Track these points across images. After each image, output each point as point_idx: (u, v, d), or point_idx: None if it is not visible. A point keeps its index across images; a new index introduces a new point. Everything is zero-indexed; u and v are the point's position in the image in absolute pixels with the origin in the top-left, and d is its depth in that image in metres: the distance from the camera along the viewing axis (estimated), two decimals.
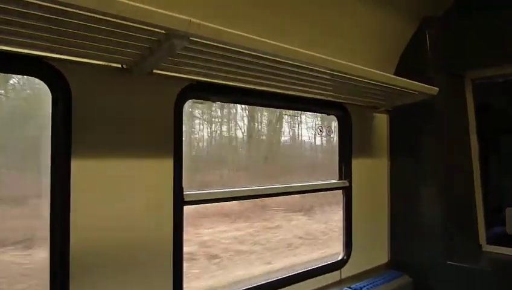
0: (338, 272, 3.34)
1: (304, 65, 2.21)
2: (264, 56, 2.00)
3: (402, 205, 3.84)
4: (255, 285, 2.77)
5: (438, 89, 3.21)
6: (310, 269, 3.17)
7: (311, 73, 2.38)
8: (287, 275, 3.01)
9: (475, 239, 3.77)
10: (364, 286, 3.24)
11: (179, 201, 2.34)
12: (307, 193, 3.35)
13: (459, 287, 3.41)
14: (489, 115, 3.98)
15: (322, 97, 3.11)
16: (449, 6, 3.64)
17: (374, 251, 3.78)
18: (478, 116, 3.82)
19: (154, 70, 2.17)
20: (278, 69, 2.24)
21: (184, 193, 2.37)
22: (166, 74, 2.24)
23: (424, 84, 3.07)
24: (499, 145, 4.08)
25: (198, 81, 2.39)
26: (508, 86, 3.75)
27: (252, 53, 1.94)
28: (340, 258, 3.43)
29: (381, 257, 3.84)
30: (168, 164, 2.31)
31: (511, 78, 3.65)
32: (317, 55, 2.20)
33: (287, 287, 2.95)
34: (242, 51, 1.90)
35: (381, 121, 3.86)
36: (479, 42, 3.52)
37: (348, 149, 3.50)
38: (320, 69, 2.32)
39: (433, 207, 3.60)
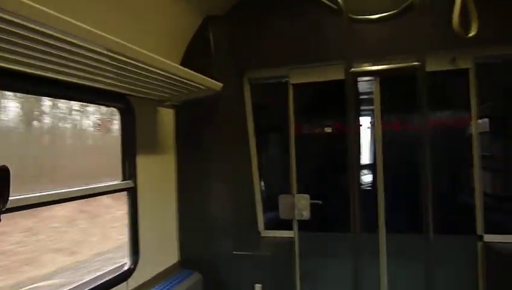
0: (124, 284, 2.98)
1: (78, 42, 1.77)
2: (22, 23, 1.47)
3: (190, 202, 3.79)
4: None
5: (222, 84, 3.27)
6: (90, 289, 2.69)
7: (87, 54, 1.94)
8: None
9: (256, 227, 4.08)
10: None
11: None
12: (88, 197, 2.83)
13: (244, 275, 3.59)
14: (265, 114, 4.37)
15: (102, 86, 2.67)
16: (231, 7, 3.79)
17: (164, 252, 3.58)
18: (256, 114, 4.13)
19: None
20: (43, 44, 1.71)
21: None
22: None
23: (209, 79, 3.05)
24: (273, 141, 4.55)
25: None
26: (279, 88, 4.17)
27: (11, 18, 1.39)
28: (125, 268, 3.07)
29: (172, 257, 3.69)
30: None
31: (280, 81, 4.11)
32: (94, 30, 1.79)
33: None
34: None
35: (168, 116, 3.69)
36: (256, 44, 3.80)
37: (131, 146, 3.16)
38: (97, 49, 1.92)
39: (219, 201, 3.68)
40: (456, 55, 3.51)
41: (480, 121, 3.81)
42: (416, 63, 2.04)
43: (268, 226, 4.16)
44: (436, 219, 3.58)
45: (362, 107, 4.07)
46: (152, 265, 3.33)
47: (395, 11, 2.25)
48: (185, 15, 3.42)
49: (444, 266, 3.64)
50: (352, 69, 2.09)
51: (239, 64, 3.89)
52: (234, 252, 3.62)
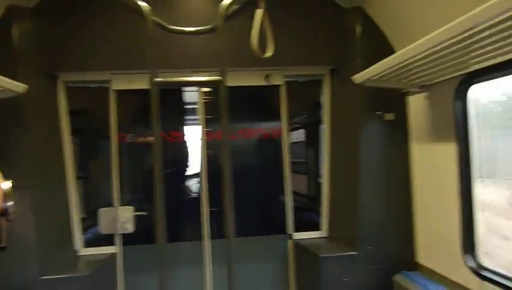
0: None
1: None
2: None
3: None
4: None
5: (26, 86, 2.87)
6: None
7: None
8: None
9: (71, 246, 3.67)
10: None
11: None
12: None
13: None
14: (86, 119, 4.03)
15: None
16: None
17: None
18: (75, 119, 3.76)
19: None
20: None
21: None
22: None
23: (5, 78, 2.63)
24: (96, 149, 4.18)
25: None
26: (101, 93, 3.88)
27: None
28: None
29: None
30: None
31: (102, 86, 3.84)
32: None
33: None
34: None
35: None
36: (72, 44, 3.46)
37: None
38: None
39: (24, 220, 3.16)
40: (269, 73, 3.88)
41: (296, 131, 4.29)
42: (218, 77, 2.15)
43: (90, 243, 3.81)
44: (254, 221, 3.86)
45: (190, 117, 4.13)
46: None
47: (206, 27, 2.33)
48: None
49: (262, 263, 3.96)
50: (155, 79, 2.07)
51: (51, 65, 3.48)
52: (43, 277, 3.16)
